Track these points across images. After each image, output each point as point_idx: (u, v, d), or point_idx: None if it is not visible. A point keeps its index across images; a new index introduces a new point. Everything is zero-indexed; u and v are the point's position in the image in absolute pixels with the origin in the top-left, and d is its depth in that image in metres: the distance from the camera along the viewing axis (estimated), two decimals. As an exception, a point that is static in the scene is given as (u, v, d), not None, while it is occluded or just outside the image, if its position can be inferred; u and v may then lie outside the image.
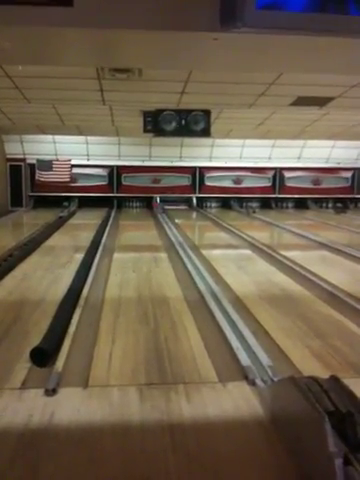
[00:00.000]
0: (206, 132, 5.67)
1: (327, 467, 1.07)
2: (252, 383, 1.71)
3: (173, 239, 5.16)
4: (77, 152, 8.76)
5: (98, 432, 1.45)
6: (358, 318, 2.52)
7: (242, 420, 1.52)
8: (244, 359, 1.92)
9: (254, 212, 8.50)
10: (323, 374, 1.44)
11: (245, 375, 1.78)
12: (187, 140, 8.21)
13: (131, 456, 1.33)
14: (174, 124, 5.48)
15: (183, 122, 5.48)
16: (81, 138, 8.48)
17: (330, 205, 9.65)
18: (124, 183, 9.09)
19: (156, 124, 5.49)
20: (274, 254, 4.30)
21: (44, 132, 7.89)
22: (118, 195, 9.12)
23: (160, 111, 5.58)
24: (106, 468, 1.28)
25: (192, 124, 5.47)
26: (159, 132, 5.62)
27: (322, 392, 1.28)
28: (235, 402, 1.62)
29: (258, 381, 1.71)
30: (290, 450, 1.32)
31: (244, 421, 1.52)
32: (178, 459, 1.31)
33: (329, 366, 1.90)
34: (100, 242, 4.90)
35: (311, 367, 1.87)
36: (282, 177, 9.40)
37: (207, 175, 9.24)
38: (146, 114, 5.70)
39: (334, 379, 1.35)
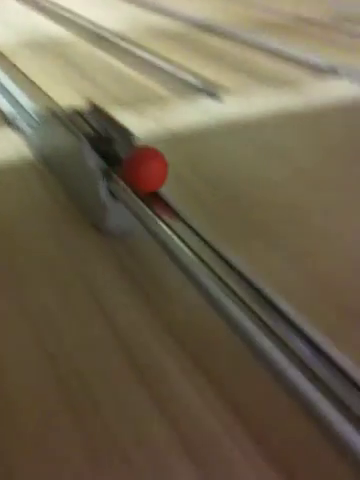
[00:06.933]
0: None
1: (93, 186, 1.14)
2: (17, 129, 1.63)
3: None
4: None
5: None
6: (125, 57, 2.49)
7: (14, 168, 1.49)
8: (6, 107, 1.79)
9: None
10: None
11: (8, 122, 1.68)
12: None
13: None
14: None
15: None
16: None
17: None
18: None
19: None
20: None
21: None
22: None
23: None
24: None
25: None
26: None
27: (83, 122, 1.29)
28: (3, 150, 1.56)
29: (24, 126, 1.64)
30: (63, 189, 1.37)
31: (16, 168, 1.49)
32: None
33: (96, 102, 1.90)
34: None
35: (79, 106, 1.85)
36: None
37: None
38: None
39: (95, 108, 1.35)
